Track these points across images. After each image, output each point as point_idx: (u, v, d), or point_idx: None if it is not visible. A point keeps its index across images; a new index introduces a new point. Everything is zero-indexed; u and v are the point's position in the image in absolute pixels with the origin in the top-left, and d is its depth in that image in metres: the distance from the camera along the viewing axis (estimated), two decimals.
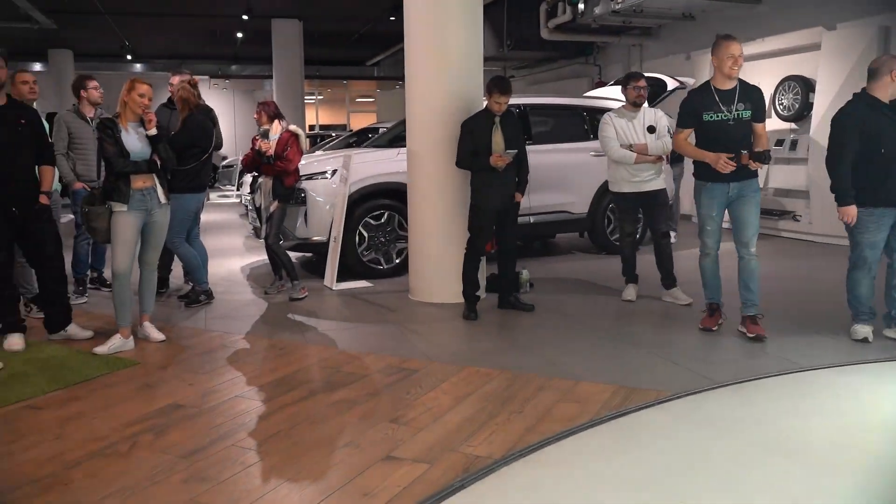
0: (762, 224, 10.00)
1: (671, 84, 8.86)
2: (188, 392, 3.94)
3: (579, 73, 15.31)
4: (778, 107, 10.04)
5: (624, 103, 6.13)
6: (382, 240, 7.06)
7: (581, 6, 11.19)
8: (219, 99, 25.29)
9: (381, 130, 11.18)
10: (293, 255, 7.32)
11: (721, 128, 4.79)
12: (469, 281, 5.53)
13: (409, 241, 6.25)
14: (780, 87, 9.99)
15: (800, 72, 9.79)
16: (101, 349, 4.66)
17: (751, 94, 4.83)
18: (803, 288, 6.52)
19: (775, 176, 9.96)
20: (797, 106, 9.74)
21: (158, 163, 4.80)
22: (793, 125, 9.94)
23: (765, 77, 10.41)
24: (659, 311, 5.76)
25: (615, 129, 5.92)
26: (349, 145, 12.22)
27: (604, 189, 8.20)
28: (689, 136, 5.02)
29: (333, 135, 19.77)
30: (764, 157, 4.67)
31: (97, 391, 3.98)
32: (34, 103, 5.71)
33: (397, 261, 7.12)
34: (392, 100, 26.90)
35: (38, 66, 22.19)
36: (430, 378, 4.11)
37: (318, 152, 10.09)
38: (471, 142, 5.39)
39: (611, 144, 5.89)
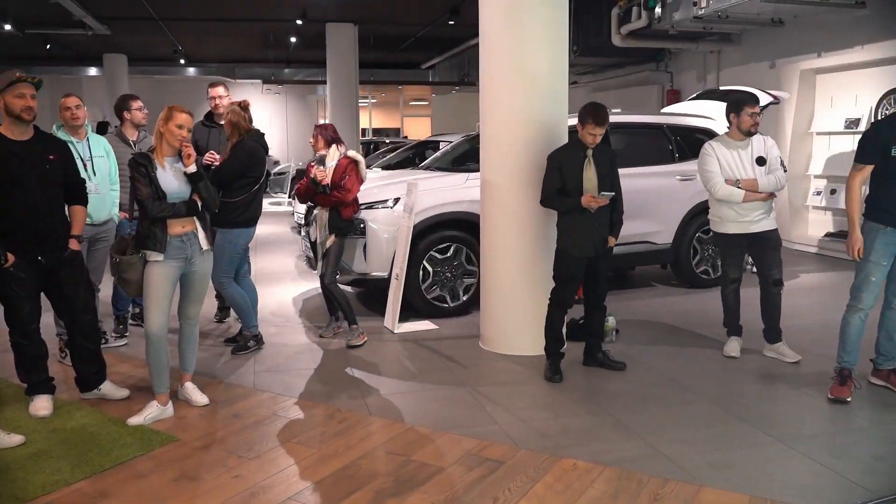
0: None
1: (764, 99, 7.97)
2: (234, 488, 3.32)
3: (648, 81, 14.39)
4: None
5: (728, 129, 5.33)
6: (448, 275, 6.39)
7: (658, 11, 10.34)
8: (272, 104, 25.07)
9: (441, 145, 10.52)
10: (347, 290, 6.73)
11: None
12: (553, 337, 4.82)
13: (482, 285, 5.55)
14: (885, 101, 9.03)
15: None
16: (135, 420, 4.07)
17: None
18: None
19: None
20: None
21: (199, 203, 4.20)
22: None
23: (865, 89, 9.49)
24: (770, 371, 4.97)
25: (719, 161, 5.12)
26: (407, 158, 11.63)
27: (690, 217, 7.49)
28: (867, 174, 4.35)
29: (388, 141, 19.27)
30: None
31: (128, 483, 3.38)
32: (81, 128, 5.18)
33: (464, 298, 6.45)
34: (447, 104, 26.36)
35: (93, 71, 22.16)
36: (519, 475, 3.42)
37: (375, 170, 9.48)
38: (559, 178, 4.67)
39: (714, 180, 5.08)
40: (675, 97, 13.41)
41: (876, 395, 4.47)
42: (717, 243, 5.42)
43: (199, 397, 4.35)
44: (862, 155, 4.37)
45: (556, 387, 4.67)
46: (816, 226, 10.25)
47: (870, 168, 4.36)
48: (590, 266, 4.78)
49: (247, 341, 5.46)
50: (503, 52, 5.15)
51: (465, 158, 7.95)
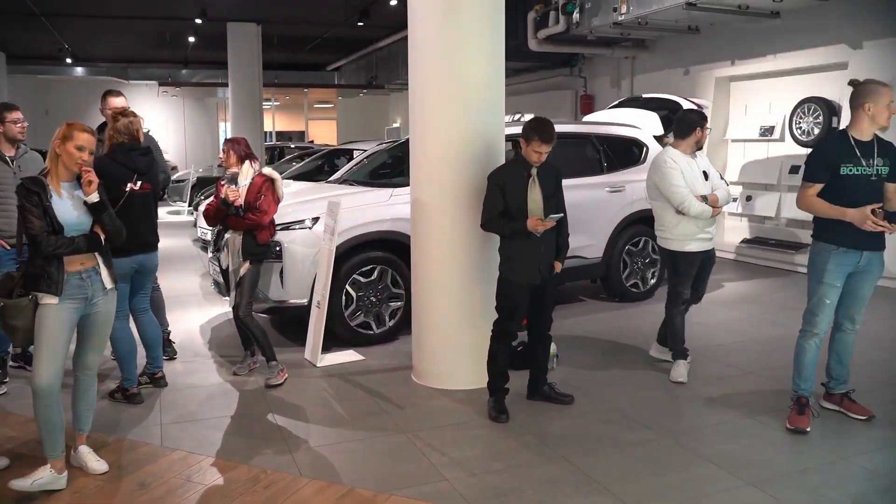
0: (774, 257, 9.23)
1: (687, 107, 7.89)
2: None
3: (562, 86, 14.29)
4: (795, 131, 9.18)
5: (674, 142, 5.10)
6: (373, 300, 5.90)
7: (576, 16, 10.15)
8: (168, 107, 23.74)
9: (355, 153, 9.99)
10: (261, 316, 6.14)
11: (860, 183, 4.01)
12: (497, 372, 4.42)
13: (414, 314, 5.10)
14: (799, 110, 9.11)
15: (821, 93, 8.93)
16: (20, 483, 3.43)
17: (888, 149, 4.09)
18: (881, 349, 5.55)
19: (790, 206, 9.09)
20: (818, 130, 8.87)
21: (102, 237, 3.58)
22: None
23: (780, 97, 9.58)
24: (718, 395, 4.76)
25: (683, 174, 4.88)
26: (317, 167, 11.04)
27: (620, 230, 7.27)
28: (817, 191, 4.16)
29: (293, 146, 18.52)
30: None
31: None
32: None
33: (391, 323, 5.98)
34: (353, 108, 25.72)
35: None
36: None
37: (284, 182, 8.83)
38: (502, 200, 4.28)
39: (690, 199, 4.83)
40: (589, 102, 13.36)
41: (832, 422, 4.29)
42: (673, 262, 5.10)
43: (96, 464, 3.71)
44: (811, 174, 4.18)
45: (504, 428, 4.27)
46: (733, 232, 10.30)
47: (819, 187, 4.18)
48: (535, 293, 4.41)
49: (114, 392, 4.73)
50: (435, 57, 4.70)
51: (384, 170, 7.49)
